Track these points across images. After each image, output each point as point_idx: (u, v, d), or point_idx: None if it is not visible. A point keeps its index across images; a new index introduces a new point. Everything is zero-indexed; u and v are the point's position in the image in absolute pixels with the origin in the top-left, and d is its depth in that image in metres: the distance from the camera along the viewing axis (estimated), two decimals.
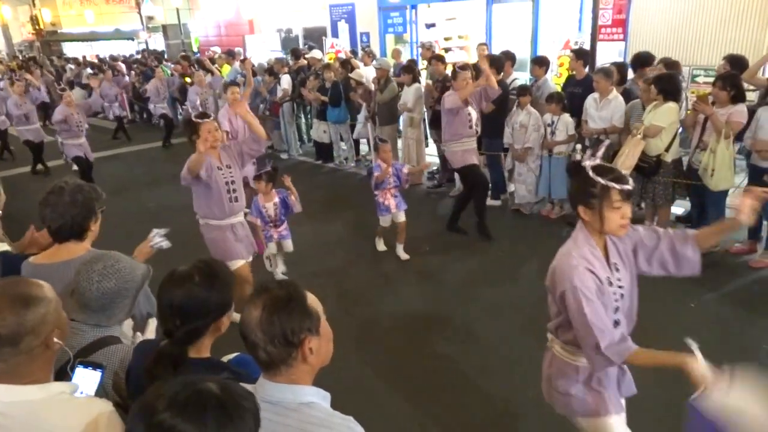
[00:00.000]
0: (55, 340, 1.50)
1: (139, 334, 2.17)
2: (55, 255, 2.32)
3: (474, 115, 5.73)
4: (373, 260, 5.63)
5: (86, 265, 1.92)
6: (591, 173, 2.05)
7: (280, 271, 5.21)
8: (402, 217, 5.53)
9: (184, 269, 1.65)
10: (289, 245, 5.15)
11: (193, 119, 3.81)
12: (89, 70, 14.37)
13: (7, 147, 10.88)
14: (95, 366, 1.71)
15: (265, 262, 5.12)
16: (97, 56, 19.27)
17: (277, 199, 4.86)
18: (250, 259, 4.30)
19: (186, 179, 3.83)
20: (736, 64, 5.36)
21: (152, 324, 2.13)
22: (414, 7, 12.34)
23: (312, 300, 1.47)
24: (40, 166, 9.83)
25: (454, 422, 3.36)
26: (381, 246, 5.79)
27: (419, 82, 7.73)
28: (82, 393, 1.63)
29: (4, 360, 1.42)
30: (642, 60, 6.19)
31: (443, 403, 3.52)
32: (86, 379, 1.68)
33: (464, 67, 5.65)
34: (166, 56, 17.75)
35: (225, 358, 1.91)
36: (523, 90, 6.30)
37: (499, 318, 4.46)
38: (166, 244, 2.61)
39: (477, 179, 5.93)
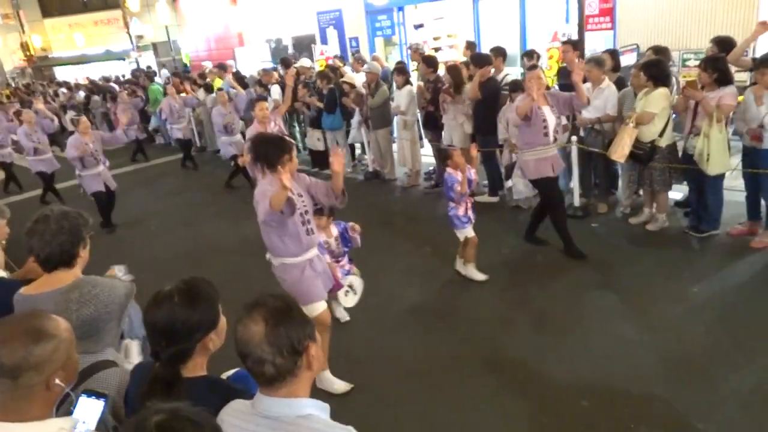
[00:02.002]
0: (57, 382, 1.46)
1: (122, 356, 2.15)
2: (44, 284, 2.28)
3: (551, 120, 4.96)
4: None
5: (63, 294, 1.91)
6: None
7: (346, 307, 4.43)
8: (472, 231, 4.93)
9: (166, 290, 1.64)
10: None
11: (285, 137, 3.37)
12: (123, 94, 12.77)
13: (14, 179, 10.44)
14: (99, 395, 1.67)
15: (340, 297, 4.34)
16: (88, 78, 19.28)
17: (336, 232, 4.24)
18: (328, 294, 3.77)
19: (268, 216, 3.17)
20: (723, 45, 5.33)
21: (133, 347, 2.11)
22: (401, 8, 12.36)
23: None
24: (48, 194, 9.28)
25: None
26: (480, 276, 4.95)
27: (411, 84, 7.72)
28: (84, 423, 1.60)
29: (1, 392, 1.40)
30: None
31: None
32: (89, 409, 1.65)
33: (533, 66, 5.08)
34: (157, 74, 17.77)
35: (224, 375, 1.90)
36: (515, 85, 6.26)
37: (507, 314, 4.45)
38: (128, 278, 2.63)
39: (550, 194, 5.25)
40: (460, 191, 4.70)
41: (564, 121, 5.99)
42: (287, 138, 3.26)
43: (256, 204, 3.24)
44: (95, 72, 22.23)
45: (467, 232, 4.87)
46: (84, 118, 7.42)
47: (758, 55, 5.44)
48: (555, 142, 5.09)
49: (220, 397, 1.57)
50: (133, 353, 2.10)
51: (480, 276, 4.95)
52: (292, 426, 1.39)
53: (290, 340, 1.40)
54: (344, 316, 4.54)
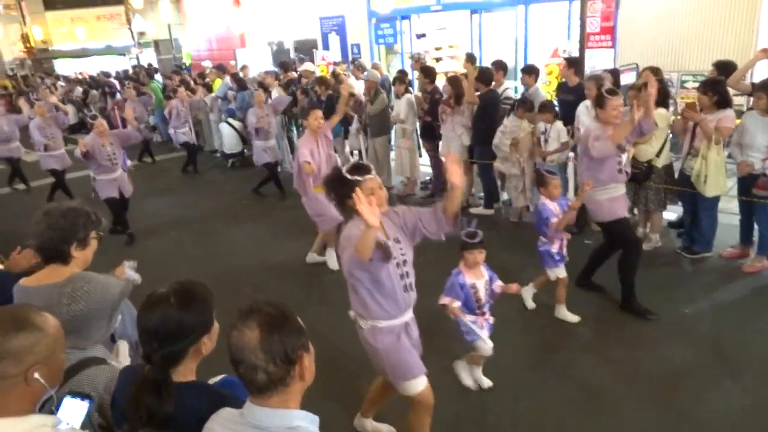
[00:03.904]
0: (36, 376, 1.43)
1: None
2: (41, 278, 2.30)
3: (623, 154, 4.36)
4: None
5: (57, 288, 1.92)
6: None
7: (484, 383, 3.66)
8: (564, 271, 4.38)
9: (162, 291, 1.62)
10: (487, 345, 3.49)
11: (347, 175, 2.57)
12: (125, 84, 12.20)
13: (21, 176, 9.68)
14: (83, 396, 1.66)
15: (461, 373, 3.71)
16: (84, 73, 19.21)
17: (488, 275, 3.43)
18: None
19: (354, 266, 2.49)
20: (724, 69, 5.38)
21: (123, 347, 2.10)
22: (404, 17, 12.41)
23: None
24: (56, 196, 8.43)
25: None
26: (573, 317, 4.41)
27: (411, 93, 7.74)
28: (68, 425, 1.57)
29: None
30: None
31: None
32: (73, 410, 1.63)
33: (613, 91, 4.28)
34: (158, 71, 17.74)
35: (211, 381, 1.88)
36: (523, 103, 6.28)
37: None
38: (137, 277, 2.63)
39: (627, 238, 4.52)
40: (557, 227, 4.10)
41: (564, 138, 6.02)
42: (354, 177, 2.56)
43: (341, 252, 2.61)
44: (95, 66, 22.17)
45: (559, 271, 4.33)
46: (101, 120, 6.69)
47: (756, 80, 5.50)
48: (628, 177, 4.43)
49: (208, 403, 1.55)
50: (122, 354, 2.08)
51: (573, 317, 4.41)
52: None
53: (284, 348, 1.39)
54: (486, 383, 3.67)
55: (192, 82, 11.99)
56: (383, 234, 2.64)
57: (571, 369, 3.83)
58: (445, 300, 3.35)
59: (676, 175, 5.36)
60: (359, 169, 2.60)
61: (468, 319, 3.37)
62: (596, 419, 3.34)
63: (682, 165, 5.23)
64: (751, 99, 5.10)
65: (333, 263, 5.61)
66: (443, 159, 7.36)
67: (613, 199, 4.39)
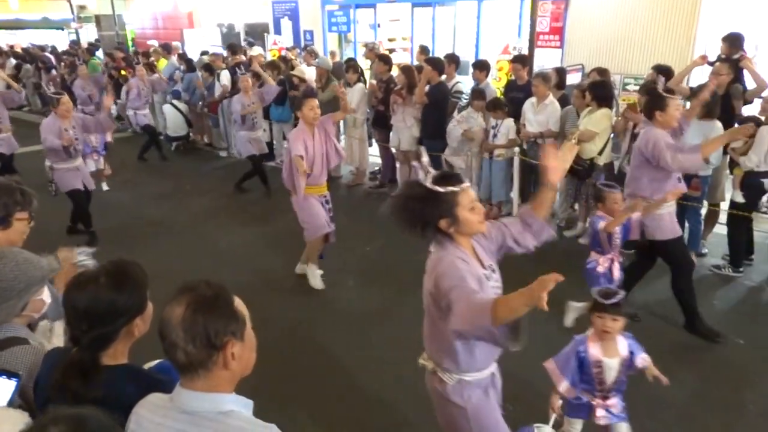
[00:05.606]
0: None
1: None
2: None
3: None
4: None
5: None
6: None
7: None
8: None
9: (92, 271, 1.55)
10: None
11: (437, 188, 2.05)
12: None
13: None
14: (10, 374, 1.59)
15: None
16: (11, 46, 18.08)
17: (626, 351, 2.57)
18: None
19: (467, 328, 1.89)
20: (664, 73, 5.60)
21: (58, 327, 2.00)
22: (358, 6, 12.33)
23: (239, 304, 1.42)
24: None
25: None
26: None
27: (362, 82, 7.70)
28: None
29: None
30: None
31: None
32: None
33: (672, 90, 3.95)
34: (99, 48, 16.91)
35: (147, 366, 1.81)
36: (477, 94, 6.37)
37: None
38: (91, 263, 2.41)
39: (686, 258, 4.20)
40: (605, 227, 3.67)
41: (512, 135, 6.14)
42: (448, 188, 2.06)
43: (447, 291, 1.98)
44: (30, 39, 20.91)
45: None
46: (66, 98, 5.74)
47: (693, 84, 5.78)
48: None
49: (139, 388, 1.49)
50: (56, 335, 1.98)
51: None
52: (213, 422, 1.33)
53: (206, 331, 1.32)
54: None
55: (134, 61, 11.51)
56: (477, 260, 2.16)
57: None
58: (552, 368, 2.62)
59: (615, 173, 5.56)
60: (450, 178, 2.07)
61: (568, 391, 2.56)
62: (535, 416, 3.43)
63: (621, 163, 5.44)
64: (688, 102, 5.34)
65: (316, 282, 4.96)
66: (393, 150, 7.42)
67: (673, 214, 4.04)
